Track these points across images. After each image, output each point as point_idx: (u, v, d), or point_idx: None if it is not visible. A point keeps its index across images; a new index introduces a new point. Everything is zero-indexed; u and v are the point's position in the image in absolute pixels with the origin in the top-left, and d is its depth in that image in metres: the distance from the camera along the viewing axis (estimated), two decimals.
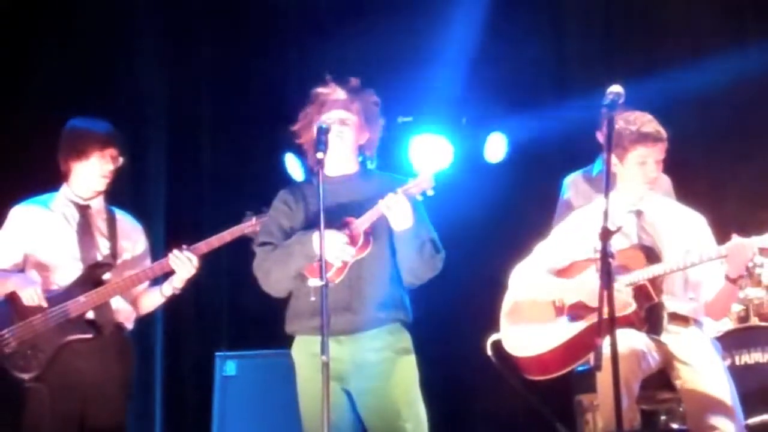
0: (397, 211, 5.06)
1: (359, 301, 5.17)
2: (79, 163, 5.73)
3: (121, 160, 5.79)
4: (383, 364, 5.20)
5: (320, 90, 5.38)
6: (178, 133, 8.34)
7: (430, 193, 5.08)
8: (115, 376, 5.69)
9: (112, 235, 5.82)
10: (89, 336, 5.59)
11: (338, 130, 5.27)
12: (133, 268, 5.85)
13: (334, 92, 5.36)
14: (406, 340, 5.31)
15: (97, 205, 5.85)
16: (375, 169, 5.51)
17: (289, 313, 5.34)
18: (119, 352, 5.73)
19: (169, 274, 5.81)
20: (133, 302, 5.87)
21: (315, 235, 5.06)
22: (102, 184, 5.78)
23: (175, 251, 5.72)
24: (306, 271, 5.18)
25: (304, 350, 5.28)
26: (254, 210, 5.71)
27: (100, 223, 5.83)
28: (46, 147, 6.00)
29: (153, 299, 5.93)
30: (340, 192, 5.26)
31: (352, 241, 5.13)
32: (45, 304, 5.54)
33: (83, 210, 5.79)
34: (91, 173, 5.74)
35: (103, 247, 5.78)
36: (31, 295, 5.52)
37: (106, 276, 5.70)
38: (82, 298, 5.58)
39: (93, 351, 5.61)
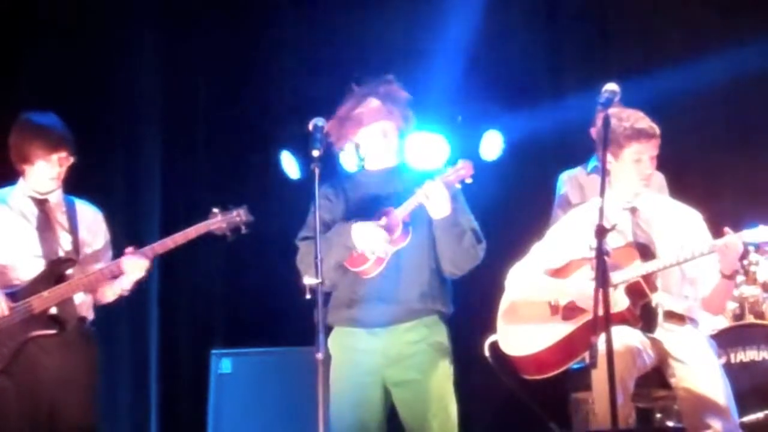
0: (435, 198, 5.09)
1: (396, 292, 5.20)
2: (27, 167, 5.64)
3: (71, 159, 5.67)
4: (417, 357, 5.23)
5: (354, 108, 5.39)
6: (173, 130, 8.33)
7: (469, 180, 5.14)
8: (81, 368, 5.63)
9: (73, 228, 5.72)
10: (53, 332, 5.54)
11: (382, 140, 5.36)
12: (96, 260, 5.77)
13: (369, 105, 5.38)
14: (442, 334, 5.33)
15: (56, 198, 5.74)
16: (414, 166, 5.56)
17: (330, 305, 5.33)
18: (82, 345, 5.67)
19: None
20: (93, 292, 5.79)
21: (354, 227, 5.15)
22: (53, 185, 5.68)
23: (128, 254, 5.62)
24: (347, 263, 5.21)
25: (338, 342, 5.31)
26: (221, 206, 5.66)
27: (60, 216, 5.73)
28: None
29: (114, 291, 5.81)
30: (380, 184, 5.33)
31: (390, 230, 5.16)
32: (7, 312, 5.47)
33: (42, 204, 5.70)
34: (41, 176, 5.64)
35: (64, 242, 5.69)
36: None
37: (69, 271, 5.63)
38: (45, 294, 5.51)
39: (57, 345, 5.56)
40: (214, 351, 7.48)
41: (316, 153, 4.99)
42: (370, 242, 5.12)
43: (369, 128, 5.36)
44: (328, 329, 5.34)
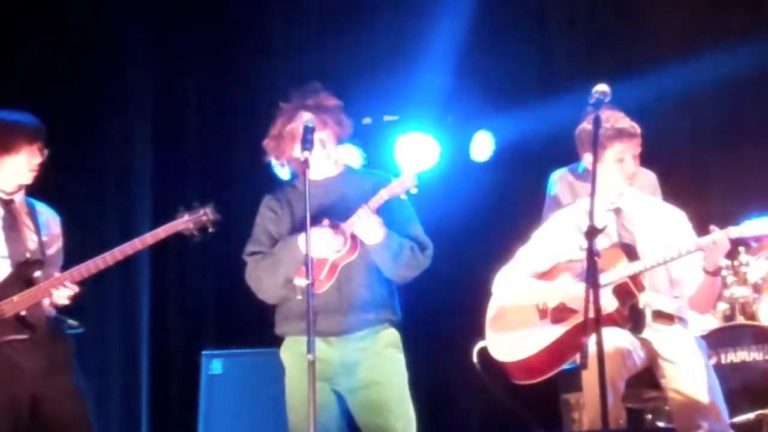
0: (364, 228, 5.11)
1: (348, 303, 5.22)
2: (8, 158, 5.55)
3: (45, 152, 5.63)
4: (372, 362, 5.25)
5: (286, 124, 5.40)
6: (163, 129, 8.32)
7: (414, 191, 5.13)
8: (58, 364, 5.55)
9: (36, 229, 5.67)
10: (25, 336, 5.46)
11: (321, 151, 5.32)
12: (55, 262, 5.70)
13: (300, 119, 5.33)
14: (394, 339, 5.36)
15: (19, 198, 5.68)
16: (362, 168, 5.53)
17: (278, 316, 5.38)
18: (55, 344, 5.59)
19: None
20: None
21: (300, 237, 5.12)
22: (30, 177, 5.61)
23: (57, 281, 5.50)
24: (295, 275, 5.20)
25: (292, 350, 5.34)
26: (186, 206, 5.64)
27: (24, 217, 5.67)
28: None
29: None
30: (324, 195, 5.29)
31: (340, 245, 5.18)
32: None
33: (7, 205, 5.63)
34: (20, 167, 5.57)
35: (30, 242, 5.63)
36: None
37: (37, 273, 5.55)
38: (15, 298, 5.45)
39: (33, 347, 5.48)
40: (204, 352, 7.48)
41: (306, 154, 4.99)
42: (322, 246, 5.11)
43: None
44: (279, 340, 5.38)
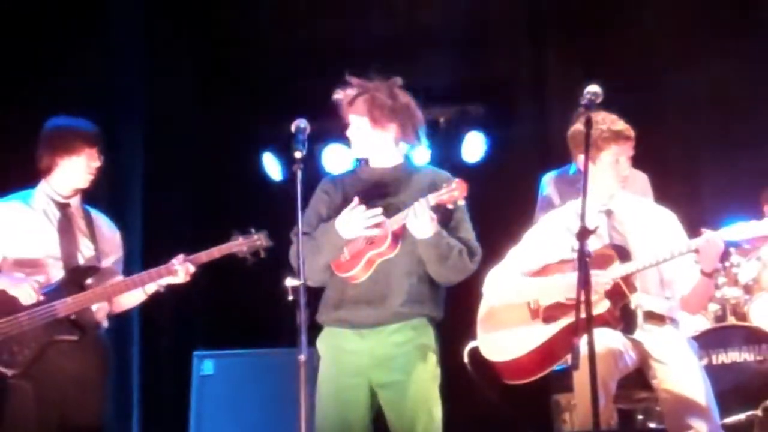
0: (416, 222, 5.09)
1: (383, 295, 5.19)
2: (67, 160, 5.71)
3: (103, 158, 5.79)
4: (403, 358, 5.21)
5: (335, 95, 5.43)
6: (154, 134, 8.31)
7: (461, 202, 5.13)
8: (95, 376, 5.68)
9: (93, 236, 5.81)
10: (75, 338, 5.57)
11: (350, 132, 5.38)
12: (113, 271, 5.85)
13: (341, 95, 5.40)
14: (429, 336, 5.31)
15: (76, 203, 5.83)
16: (425, 164, 5.54)
17: (320, 303, 5.36)
18: (98, 352, 5.73)
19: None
20: (111, 300, 5.85)
21: (338, 220, 5.17)
22: (87, 181, 5.77)
23: (179, 260, 5.69)
24: (335, 269, 5.24)
25: (326, 342, 5.34)
26: (241, 230, 5.70)
27: (80, 222, 5.81)
28: (20, 145, 5.97)
29: (134, 298, 5.88)
30: (379, 185, 5.32)
31: (380, 241, 5.17)
32: (41, 297, 5.52)
33: (64, 208, 5.77)
34: (79, 170, 5.73)
35: (84, 247, 5.76)
36: (28, 292, 5.50)
37: (89, 280, 5.67)
38: (69, 300, 5.55)
39: (74, 351, 5.58)
40: (196, 352, 7.48)
41: (298, 155, 5.00)
42: (355, 226, 5.13)
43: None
44: (318, 328, 5.36)
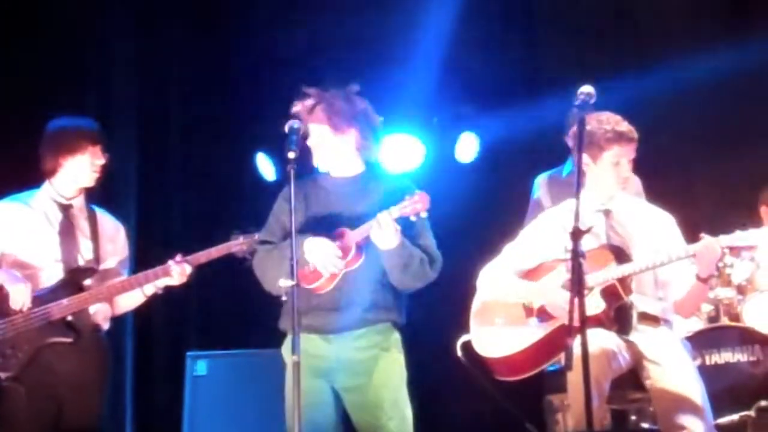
0: (380, 233, 5.10)
1: (348, 301, 5.21)
2: (71, 159, 5.70)
3: (107, 156, 5.79)
4: (369, 361, 5.25)
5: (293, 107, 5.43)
6: (148, 134, 8.30)
7: (424, 214, 5.11)
8: (93, 378, 5.66)
9: (95, 237, 5.78)
10: (69, 340, 5.55)
11: (311, 142, 5.38)
12: (115, 271, 5.83)
13: (300, 107, 5.41)
14: (394, 339, 5.35)
15: (79, 203, 5.80)
16: (385, 170, 5.55)
17: (282, 311, 5.36)
18: (96, 355, 5.71)
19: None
20: (111, 302, 5.83)
21: (307, 241, 5.16)
22: (92, 179, 5.76)
23: (175, 261, 5.67)
24: (300, 280, 5.17)
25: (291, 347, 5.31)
26: (242, 229, 5.69)
27: (82, 223, 5.79)
28: (15, 147, 5.97)
29: (133, 299, 5.87)
30: (343, 194, 5.33)
31: (344, 252, 5.18)
32: (30, 305, 5.49)
33: (65, 209, 5.75)
34: (83, 168, 5.71)
35: (84, 249, 5.73)
36: (22, 293, 5.47)
37: (88, 281, 5.66)
38: (65, 301, 5.54)
39: (71, 353, 5.57)
40: (189, 353, 7.46)
41: (291, 155, 5.00)
42: (321, 258, 5.13)
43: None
44: (282, 335, 5.38)
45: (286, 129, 5.10)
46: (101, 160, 5.76)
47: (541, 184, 6.73)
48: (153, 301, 7.80)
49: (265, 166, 8.37)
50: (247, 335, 7.63)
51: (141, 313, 7.66)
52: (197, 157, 8.41)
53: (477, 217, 8.08)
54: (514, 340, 5.49)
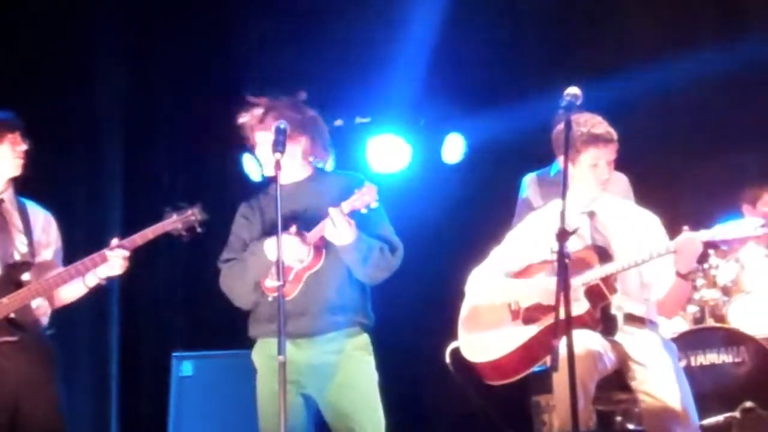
0: (335, 231, 5.12)
1: (316, 305, 5.23)
2: None
3: (27, 140, 5.64)
4: (341, 364, 5.26)
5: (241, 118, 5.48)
6: (134, 134, 8.29)
7: (374, 205, 5.11)
8: (42, 374, 5.53)
9: (27, 230, 5.65)
10: (15, 338, 5.45)
11: (260, 151, 5.41)
12: (51, 263, 5.70)
13: (248, 117, 5.44)
14: (364, 342, 5.37)
15: (9, 197, 5.66)
16: (333, 169, 5.53)
17: (250, 319, 5.40)
18: (42, 350, 5.58)
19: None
20: (50, 295, 5.69)
21: (266, 243, 5.19)
22: (17, 167, 5.61)
23: (110, 247, 5.52)
24: (265, 289, 5.27)
25: (262, 352, 5.36)
26: (173, 206, 5.62)
27: (14, 216, 5.65)
28: None
29: (74, 291, 5.71)
30: (294, 199, 5.30)
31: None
32: None
33: None
34: (5, 157, 5.58)
35: (19, 244, 5.61)
36: None
37: (26, 276, 5.54)
38: (5, 300, 5.43)
39: (18, 351, 5.46)
40: (175, 354, 7.47)
41: (278, 156, 4.99)
42: (287, 253, 5.09)
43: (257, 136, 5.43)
44: (250, 342, 5.40)
45: (273, 130, 5.09)
46: (22, 147, 5.61)
47: (529, 183, 6.73)
48: (138, 303, 7.82)
49: (251, 166, 8.36)
50: (232, 336, 7.61)
51: (127, 313, 7.69)
52: (184, 158, 8.40)
53: (463, 217, 8.09)
54: (501, 344, 5.48)
